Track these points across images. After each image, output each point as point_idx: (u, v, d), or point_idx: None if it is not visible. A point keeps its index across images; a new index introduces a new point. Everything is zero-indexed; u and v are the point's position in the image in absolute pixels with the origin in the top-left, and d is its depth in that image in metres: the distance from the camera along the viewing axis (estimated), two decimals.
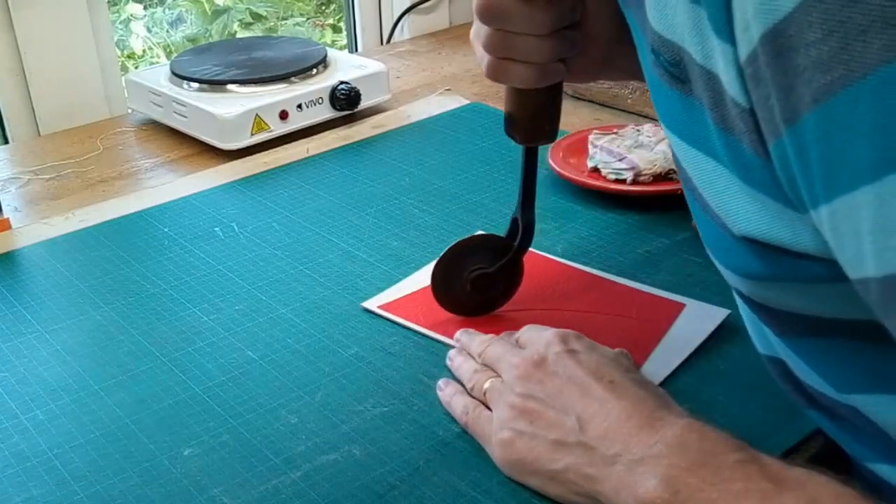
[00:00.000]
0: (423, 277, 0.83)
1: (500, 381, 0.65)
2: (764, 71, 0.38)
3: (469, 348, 0.71)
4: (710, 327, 0.74)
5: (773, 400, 0.66)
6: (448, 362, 0.72)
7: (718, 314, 0.75)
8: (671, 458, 0.53)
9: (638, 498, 0.52)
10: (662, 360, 0.71)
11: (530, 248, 0.81)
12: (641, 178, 0.94)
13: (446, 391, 0.68)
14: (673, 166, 0.94)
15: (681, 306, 0.77)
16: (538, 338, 0.66)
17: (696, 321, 0.75)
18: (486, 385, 0.65)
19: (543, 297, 0.79)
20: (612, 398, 0.58)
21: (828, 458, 0.64)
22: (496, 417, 0.62)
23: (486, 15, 0.65)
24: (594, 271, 0.83)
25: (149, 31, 2.26)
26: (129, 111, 1.28)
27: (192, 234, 0.93)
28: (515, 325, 0.75)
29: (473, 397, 0.66)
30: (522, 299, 0.79)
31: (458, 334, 0.74)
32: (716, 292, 0.79)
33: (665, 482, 0.52)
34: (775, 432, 0.64)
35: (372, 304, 0.80)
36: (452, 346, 0.74)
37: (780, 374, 0.56)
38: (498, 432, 0.61)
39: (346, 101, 1.16)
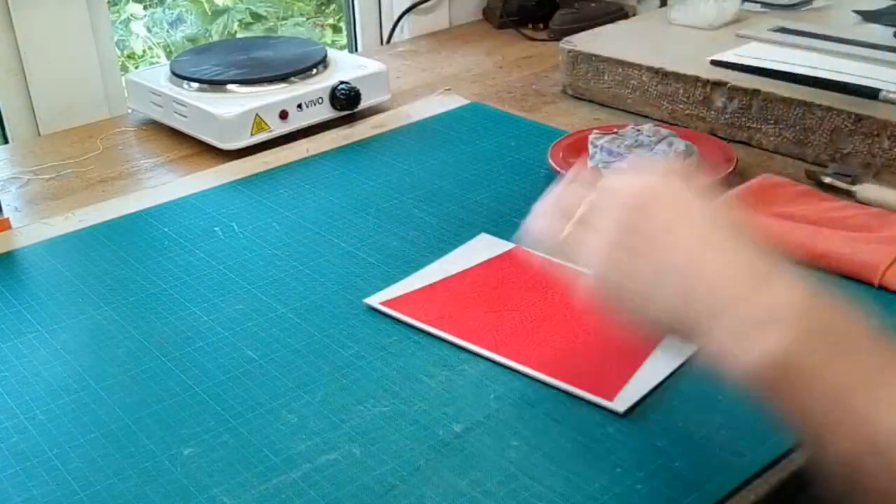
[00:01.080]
0: (425, 275, 0.83)
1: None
2: None
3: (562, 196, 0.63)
4: None
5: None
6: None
7: None
8: (798, 319, 0.48)
9: (760, 352, 0.48)
10: (662, 361, 0.70)
11: (529, 248, 0.81)
12: None
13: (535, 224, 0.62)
14: None
15: None
16: (640, 173, 0.60)
17: None
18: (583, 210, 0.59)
19: (542, 298, 0.79)
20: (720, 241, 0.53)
21: None
22: (594, 243, 0.57)
23: None
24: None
25: (149, 31, 2.26)
26: (129, 111, 1.28)
27: (192, 234, 0.93)
28: (513, 326, 0.75)
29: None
30: (520, 299, 0.79)
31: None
32: None
33: (793, 341, 0.47)
34: (777, 432, 0.63)
35: (374, 300, 0.80)
36: (454, 343, 0.74)
37: None
38: (599, 251, 0.57)
39: (346, 101, 1.16)
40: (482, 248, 0.88)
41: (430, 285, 0.82)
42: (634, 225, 0.55)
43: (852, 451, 0.46)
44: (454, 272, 0.84)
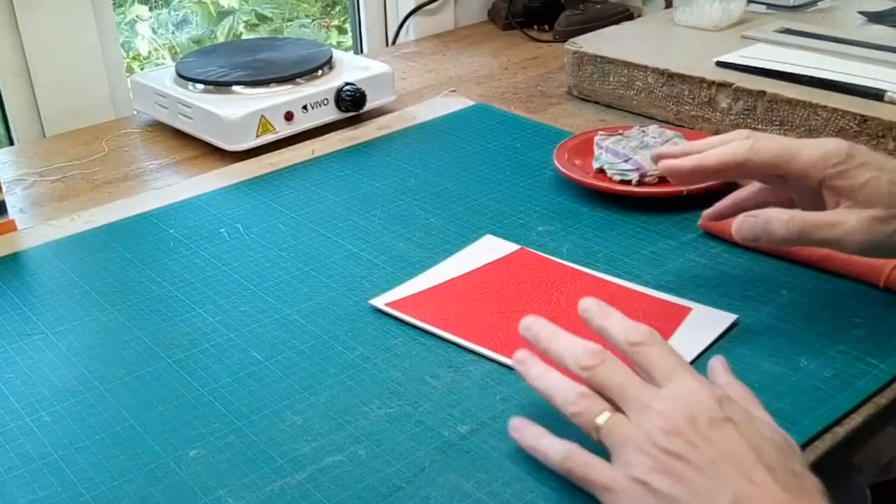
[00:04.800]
0: (431, 277, 0.83)
1: (624, 419, 0.57)
2: None
3: (561, 357, 0.62)
4: (716, 332, 0.74)
5: (777, 403, 0.66)
6: (519, 367, 0.63)
7: (725, 319, 0.75)
8: None
9: None
10: None
11: (535, 251, 0.81)
12: (647, 180, 0.94)
13: (526, 432, 0.61)
14: None
15: (686, 310, 0.77)
16: (683, 386, 0.57)
17: (701, 325, 0.75)
18: (603, 420, 0.57)
19: (548, 299, 0.79)
20: (773, 486, 0.52)
21: (831, 461, 0.64)
22: (623, 461, 0.56)
23: None
24: (599, 274, 0.83)
25: (154, 32, 2.27)
26: (135, 112, 1.28)
27: (197, 236, 0.94)
28: (518, 325, 0.75)
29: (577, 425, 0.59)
30: (527, 302, 0.79)
31: (529, 321, 0.65)
32: (721, 293, 0.78)
33: None
34: None
35: (379, 301, 0.80)
36: (459, 345, 0.74)
37: None
38: (625, 479, 0.55)
39: (352, 103, 1.16)
40: (487, 249, 0.88)
41: (436, 287, 0.82)
42: (680, 454, 0.54)
43: None
44: (459, 273, 0.84)
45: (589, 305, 0.65)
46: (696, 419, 0.54)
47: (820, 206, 0.71)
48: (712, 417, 0.55)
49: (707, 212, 0.83)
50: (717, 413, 0.55)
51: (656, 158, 0.77)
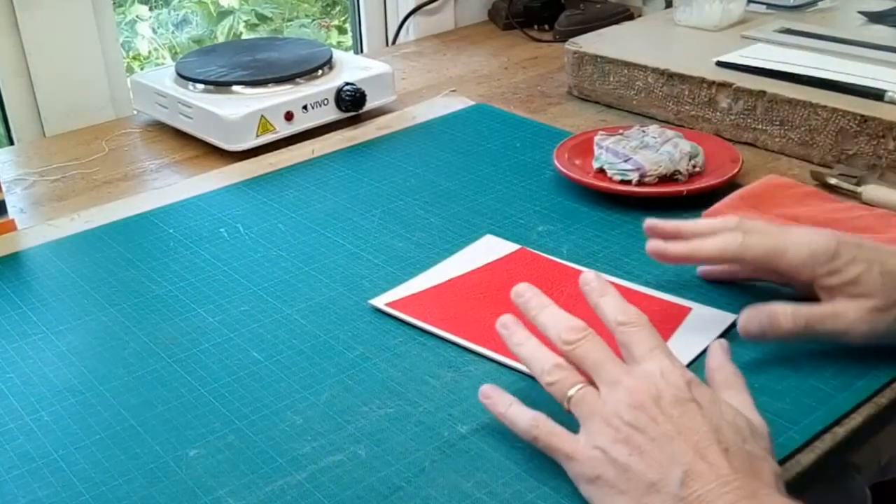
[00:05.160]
0: (431, 276, 0.83)
1: (593, 391, 0.60)
2: None
3: (546, 328, 0.64)
4: (716, 332, 0.74)
5: (778, 402, 0.66)
6: (502, 330, 0.66)
7: (725, 319, 0.75)
8: None
9: None
10: None
11: (535, 251, 0.81)
12: (647, 179, 0.94)
13: (497, 400, 0.64)
14: (678, 167, 0.94)
15: (686, 310, 0.77)
16: (654, 364, 0.59)
17: (701, 325, 0.75)
18: (574, 391, 0.60)
19: (551, 299, 0.79)
20: (724, 466, 0.54)
21: (831, 461, 0.64)
22: (588, 432, 0.58)
23: None
24: (608, 277, 0.82)
25: (154, 32, 2.27)
26: (135, 112, 1.28)
27: (197, 236, 0.94)
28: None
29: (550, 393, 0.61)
30: None
31: (521, 288, 0.67)
32: (721, 294, 0.78)
33: None
34: (780, 434, 0.63)
35: (379, 301, 0.80)
36: (459, 345, 0.74)
37: None
38: (587, 447, 0.58)
39: (352, 103, 1.16)
40: (487, 249, 0.88)
41: (436, 286, 0.82)
42: (641, 427, 0.57)
43: None
44: (459, 273, 0.84)
45: (590, 279, 0.66)
46: (661, 396, 0.57)
47: (815, 293, 0.72)
48: (677, 396, 0.57)
49: (701, 270, 0.82)
50: (684, 393, 0.57)
51: (647, 228, 0.78)
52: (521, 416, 0.62)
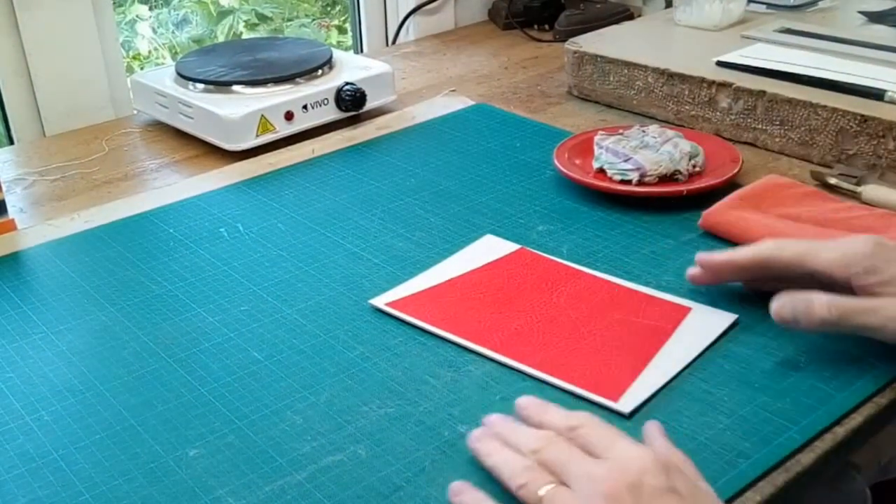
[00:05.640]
0: (430, 276, 0.83)
1: (566, 489, 0.56)
2: None
3: (511, 438, 0.61)
4: (716, 332, 0.74)
5: (778, 402, 0.66)
6: (474, 444, 0.62)
7: (724, 319, 0.75)
8: None
9: None
10: (665, 364, 0.70)
11: (535, 250, 0.81)
12: (647, 179, 0.94)
13: (467, 497, 0.59)
14: (678, 167, 0.94)
15: (686, 310, 0.77)
16: (627, 453, 0.56)
17: (701, 325, 0.75)
18: (545, 491, 0.56)
19: (548, 299, 0.79)
20: None
21: (831, 461, 0.64)
22: None
23: None
24: (599, 274, 0.83)
25: (154, 32, 2.27)
26: (135, 112, 1.28)
27: (197, 235, 0.94)
28: (518, 327, 0.75)
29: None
30: (525, 300, 0.79)
31: (491, 418, 0.64)
32: (722, 294, 0.78)
33: None
34: (780, 434, 0.63)
35: (380, 301, 0.80)
36: (459, 344, 0.74)
37: None
38: None
39: (352, 102, 1.16)
40: (487, 249, 0.88)
41: (435, 286, 0.82)
42: None
43: None
44: (459, 273, 0.84)
45: (526, 404, 0.64)
46: (639, 486, 0.53)
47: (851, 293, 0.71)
48: (655, 487, 0.53)
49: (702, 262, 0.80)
50: (662, 482, 0.53)
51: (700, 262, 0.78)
52: (511, 463, 0.59)
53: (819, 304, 0.68)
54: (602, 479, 0.54)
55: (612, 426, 0.59)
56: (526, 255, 0.86)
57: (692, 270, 0.78)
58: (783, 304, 0.70)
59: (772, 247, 0.73)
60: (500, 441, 0.61)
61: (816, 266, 0.70)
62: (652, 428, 0.62)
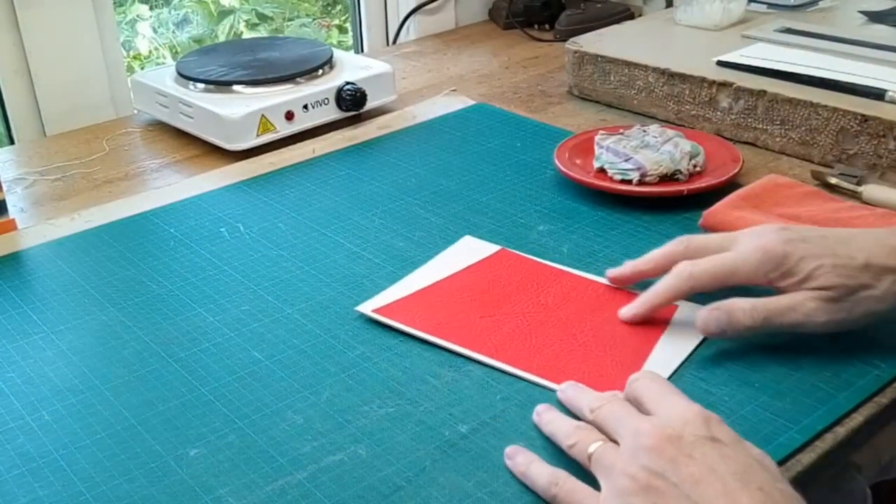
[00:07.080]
0: (413, 281, 0.83)
1: (613, 446, 0.58)
2: None
3: (577, 401, 0.64)
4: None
5: (779, 402, 0.66)
6: (535, 417, 0.65)
7: None
8: None
9: None
10: (663, 360, 0.70)
11: (524, 253, 0.80)
12: (647, 179, 0.94)
13: (518, 459, 0.61)
14: (679, 167, 0.94)
15: (672, 308, 0.76)
16: (673, 408, 0.58)
17: (689, 324, 0.74)
18: (594, 448, 0.58)
19: (536, 300, 0.79)
20: None
21: (831, 461, 0.64)
22: (608, 487, 0.56)
23: None
24: (581, 273, 0.82)
25: (155, 31, 2.27)
26: (135, 112, 1.28)
27: (197, 235, 0.94)
28: (510, 330, 0.75)
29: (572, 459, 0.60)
30: (513, 302, 0.79)
31: (564, 386, 0.67)
32: (721, 293, 0.78)
33: None
34: (781, 434, 0.63)
35: (366, 307, 0.79)
36: (451, 350, 0.74)
37: None
38: (607, 501, 0.55)
39: (352, 102, 1.16)
40: (468, 250, 0.87)
41: (421, 291, 0.81)
42: (661, 472, 0.54)
43: None
44: (443, 277, 0.83)
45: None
46: (681, 437, 0.55)
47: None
48: (697, 436, 0.54)
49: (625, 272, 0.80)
50: (703, 432, 0.55)
51: (611, 280, 0.80)
52: (542, 475, 0.60)
53: (741, 312, 0.70)
54: (646, 433, 0.56)
55: (667, 382, 0.62)
56: (507, 256, 0.86)
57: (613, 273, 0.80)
58: (707, 321, 0.71)
59: (686, 282, 0.73)
60: (558, 412, 0.65)
61: (738, 283, 0.72)
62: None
